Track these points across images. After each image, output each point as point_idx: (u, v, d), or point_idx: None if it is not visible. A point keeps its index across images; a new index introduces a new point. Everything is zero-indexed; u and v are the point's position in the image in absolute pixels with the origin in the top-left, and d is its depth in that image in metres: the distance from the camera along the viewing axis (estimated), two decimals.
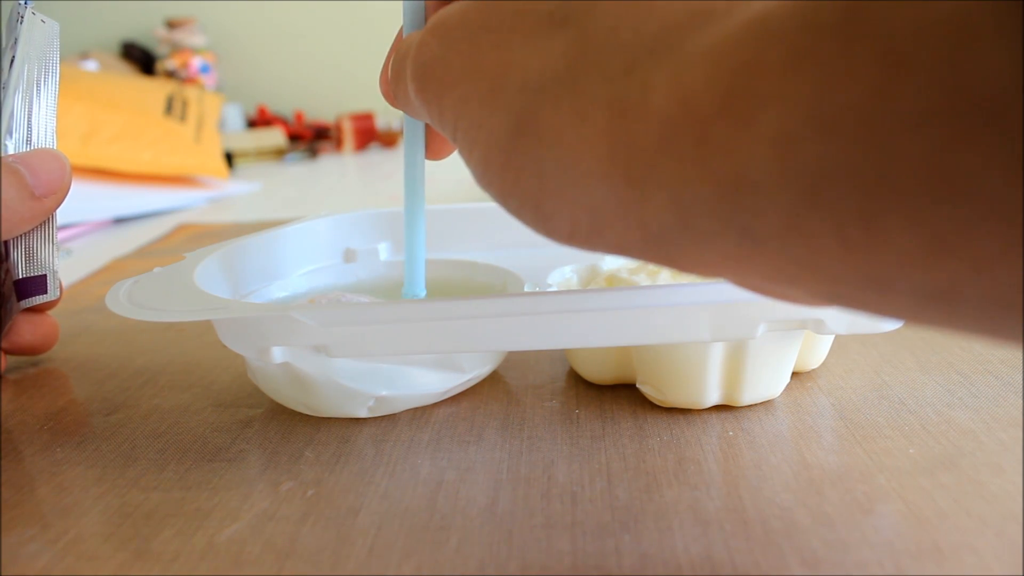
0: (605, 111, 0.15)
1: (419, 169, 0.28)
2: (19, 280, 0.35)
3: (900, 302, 0.12)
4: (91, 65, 1.19)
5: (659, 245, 0.15)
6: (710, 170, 0.13)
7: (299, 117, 1.32)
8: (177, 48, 1.30)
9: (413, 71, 0.20)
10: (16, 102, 0.34)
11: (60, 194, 0.33)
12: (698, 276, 0.15)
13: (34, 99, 0.34)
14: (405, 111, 0.23)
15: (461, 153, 0.19)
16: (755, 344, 0.27)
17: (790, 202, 0.12)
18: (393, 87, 0.23)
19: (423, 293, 0.30)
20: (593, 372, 0.31)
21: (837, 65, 0.11)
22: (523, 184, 0.17)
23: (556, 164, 0.16)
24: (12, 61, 0.34)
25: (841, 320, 0.25)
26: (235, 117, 1.26)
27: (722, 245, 0.14)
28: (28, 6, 0.34)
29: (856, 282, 0.12)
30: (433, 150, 0.28)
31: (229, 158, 1.03)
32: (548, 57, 0.16)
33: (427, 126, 0.28)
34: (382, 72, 0.25)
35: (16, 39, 0.34)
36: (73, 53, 1.23)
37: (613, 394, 0.30)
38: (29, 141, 0.34)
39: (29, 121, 0.34)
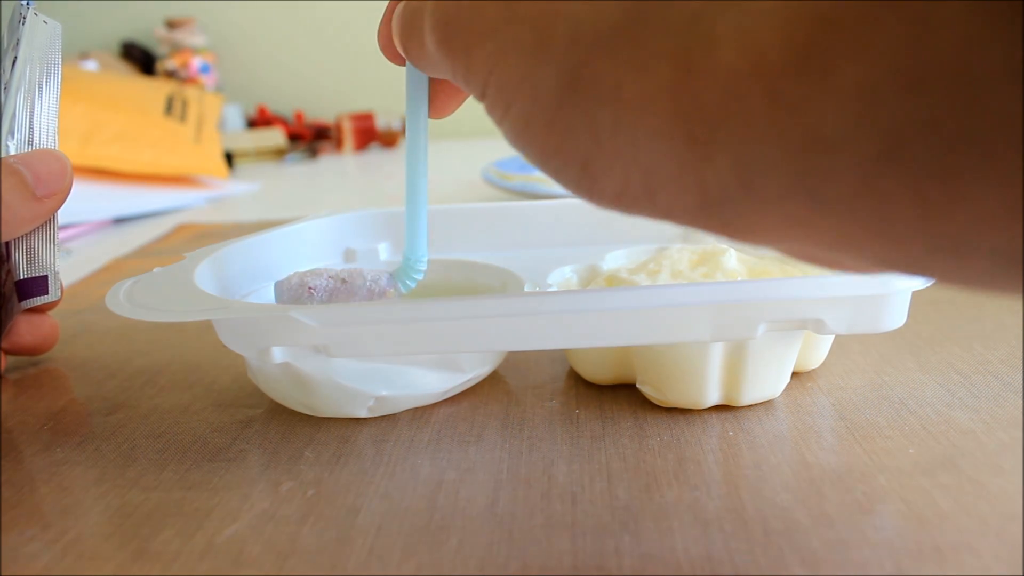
0: (668, 65, 0.14)
1: (422, 128, 0.27)
2: (20, 281, 0.35)
3: (974, 265, 0.12)
4: (91, 65, 1.19)
5: (716, 209, 0.14)
6: (780, 128, 0.12)
7: (299, 117, 1.32)
8: (177, 48, 1.30)
9: (435, 21, 0.19)
10: (18, 103, 0.34)
11: (61, 195, 0.33)
12: (749, 243, 0.15)
13: (36, 100, 0.34)
14: (417, 66, 0.22)
15: (492, 111, 0.18)
16: (755, 344, 0.27)
17: (865, 161, 0.11)
18: (403, 40, 0.21)
19: (425, 257, 0.29)
20: (593, 372, 0.31)
21: (924, 16, 0.10)
22: (571, 142, 0.16)
23: (612, 121, 0.15)
24: (14, 62, 0.34)
25: (841, 320, 0.26)
26: (235, 117, 1.26)
27: (785, 209, 0.13)
28: (30, 7, 0.34)
29: (929, 246, 0.12)
30: (437, 107, 0.26)
31: (229, 158, 1.03)
32: (601, 6, 0.15)
33: (431, 81, 0.26)
34: (381, 26, 0.23)
35: (18, 40, 0.34)
36: (73, 53, 1.23)
37: (613, 394, 0.30)
38: (31, 142, 0.34)
39: (31, 122, 0.34)
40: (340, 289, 0.30)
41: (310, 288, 0.29)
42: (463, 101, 0.26)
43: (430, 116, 0.27)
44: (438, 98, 0.26)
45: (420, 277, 0.30)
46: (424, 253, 0.29)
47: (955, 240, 0.11)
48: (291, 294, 0.30)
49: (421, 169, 0.28)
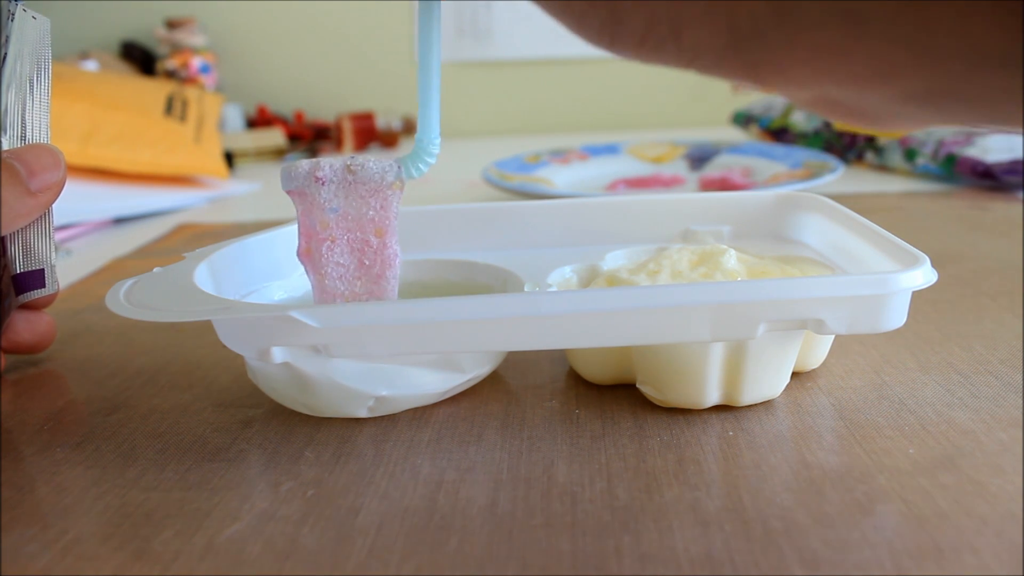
0: None
1: (436, 3, 0.26)
2: (17, 275, 0.35)
3: (1016, 82, 0.11)
4: (91, 65, 1.19)
5: (745, 46, 0.14)
6: None
7: (299, 117, 1.31)
8: (177, 48, 1.30)
9: None
10: (9, 99, 0.34)
11: (56, 189, 0.33)
12: (774, 85, 0.14)
13: (27, 96, 0.34)
14: None
15: None
16: (755, 344, 0.27)
17: None
18: None
19: (438, 139, 0.28)
20: (593, 372, 0.31)
21: None
22: None
23: None
24: (4, 58, 0.34)
25: (841, 320, 0.25)
26: (235, 117, 1.26)
27: (820, 38, 0.13)
28: (19, 3, 0.34)
29: (970, 58, 0.11)
30: None
31: (229, 158, 1.03)
32: None
33: None
34: None
35: (7, 37, 0.34)
36: (73, 53, 1.23)
37: (613, 394, 0.30)
38: (23, 137, 0.34)
39: (23, 118, 0.34)
40: (349, 180, 0.29)
41: (318, 178, 0.29)
42: None
43: None
44: None
45: (432, 161, 0.29)
46: (436, 135, 0.28)
47: (999, 50, 0.11)
48: (300, 182, 0.29)
49: (434, 48, 0.27)
